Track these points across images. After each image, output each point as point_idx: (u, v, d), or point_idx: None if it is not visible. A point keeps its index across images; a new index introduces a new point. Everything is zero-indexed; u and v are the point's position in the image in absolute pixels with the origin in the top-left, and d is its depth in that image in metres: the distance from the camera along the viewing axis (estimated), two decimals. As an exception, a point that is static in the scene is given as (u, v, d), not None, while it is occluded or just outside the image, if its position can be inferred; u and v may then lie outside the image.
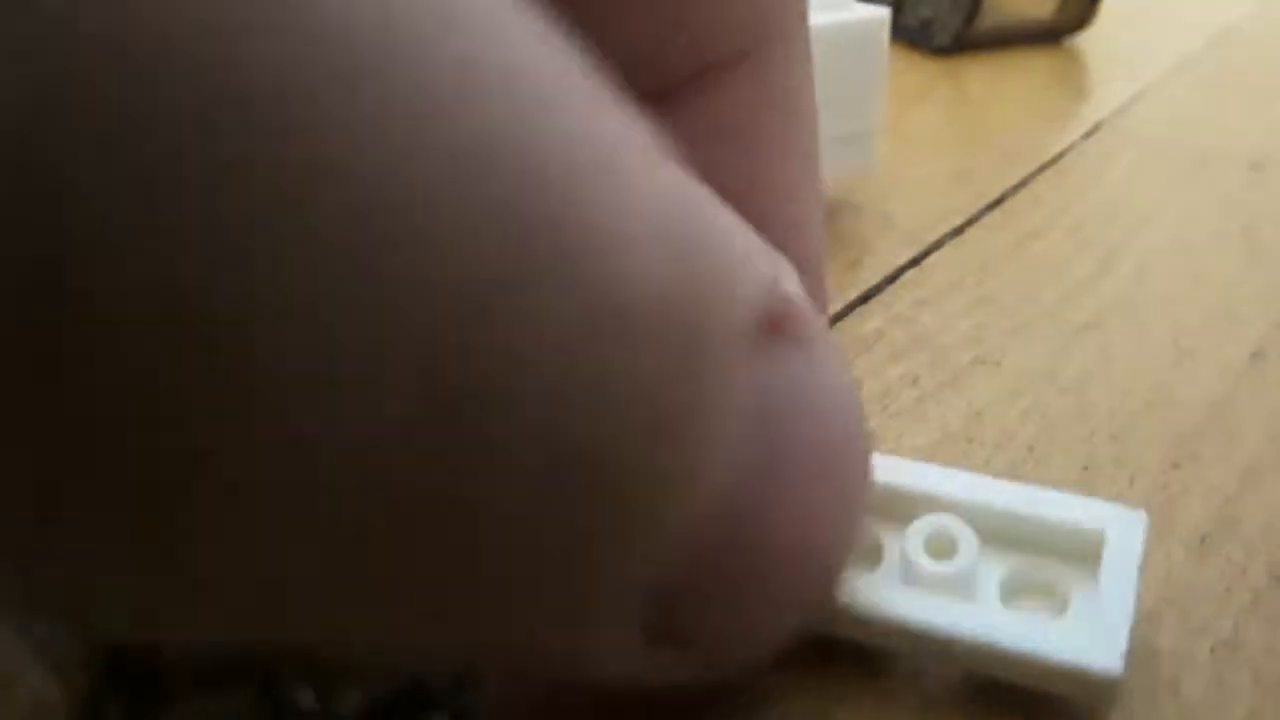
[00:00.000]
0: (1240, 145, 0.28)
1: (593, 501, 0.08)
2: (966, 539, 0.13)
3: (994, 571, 0.13)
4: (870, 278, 0.22)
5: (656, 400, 0.08)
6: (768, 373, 0.10)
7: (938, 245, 0.23)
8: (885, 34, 0.23)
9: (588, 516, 0.08)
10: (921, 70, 0.34)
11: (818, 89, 0.18)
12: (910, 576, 0.13)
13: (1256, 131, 0.29)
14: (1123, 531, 0.13)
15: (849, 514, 0.11)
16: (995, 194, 0.25)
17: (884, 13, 0.23)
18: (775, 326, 0.10)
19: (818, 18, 0.22)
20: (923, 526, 0.13)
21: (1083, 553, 0.13)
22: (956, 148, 0.28)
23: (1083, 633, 0.12)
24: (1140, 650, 0.14)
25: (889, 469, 0.13)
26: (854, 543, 0.11)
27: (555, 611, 0.09)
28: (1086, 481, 0.16)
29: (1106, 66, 0.35)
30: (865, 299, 0.21)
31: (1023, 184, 0.26)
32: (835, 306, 0.21)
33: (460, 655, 0.10)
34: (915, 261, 0.22)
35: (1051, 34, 0.36)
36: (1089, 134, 0.29)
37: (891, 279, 0.22)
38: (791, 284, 0.11)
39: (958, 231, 0.24)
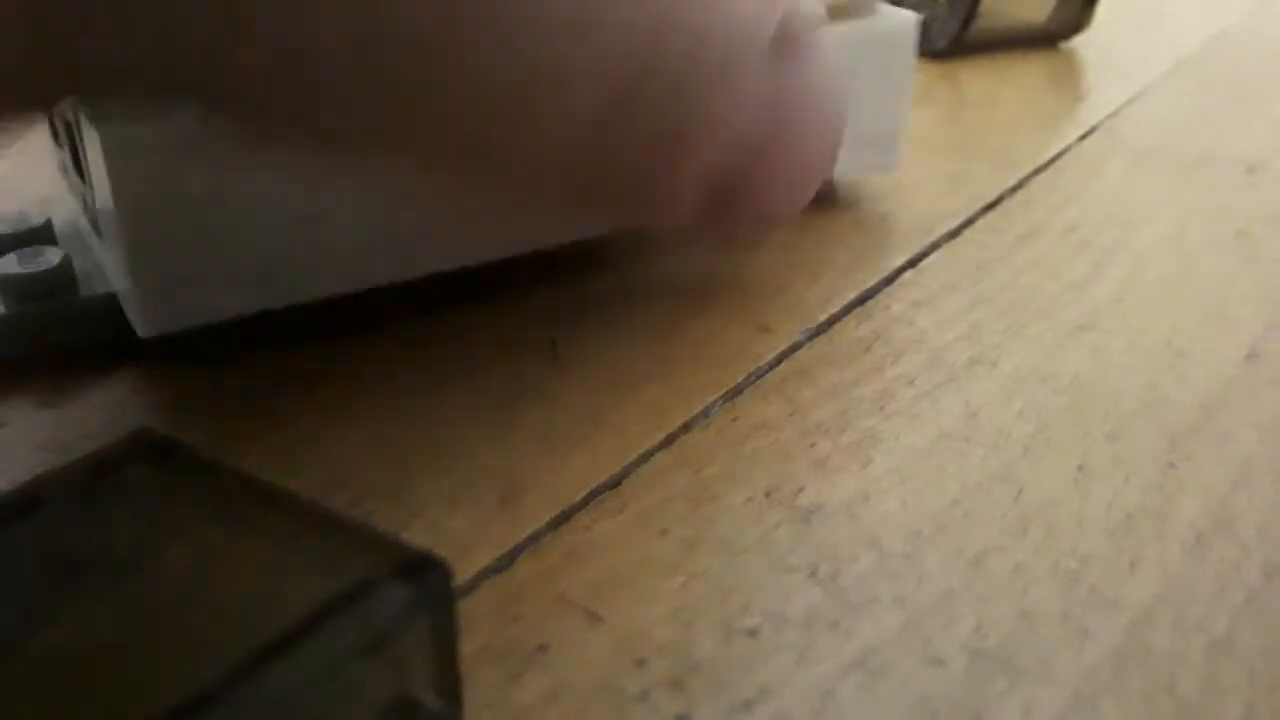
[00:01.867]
0: (1235, 148, 0.28)
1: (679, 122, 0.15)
2: None
3: None
4: (868, 279, 0.22)
5: (719, 79, 0.15)
6: (781, 71, 0.16)
7: (934, 247, 0.23)
8: (914, 37, 0.23)
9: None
10: (918, 73, 0.34)
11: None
12: None
13: (1251, 134, 0.29)
14: None
15: (829, 150, 0.18)
16: (991, 196, 0.25)
17: (913, 16, 0.23)
18: (790, 41, 0.16)
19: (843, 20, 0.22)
20: None
21: None
22: (953, 150, 0.28)
23: None
24: (1136, 649, 0.14)
25: None
26: (830, 167, 0.18)
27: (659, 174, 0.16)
28: (1082, 481, 0.17)
29: (1102, 69, 0.35)
30: (863, 300, 0.21)
31: (1019, 186, 0.26)
32: (834, 309, 0.21)
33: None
34: (912, 263, 0.23)
35: (1048, 38, 0.36)
36: (1084, 136, 0.29)
37: (889, 280, 0.22)
38: (806, 8, 0.17)
39: (954, 234, 0.24)
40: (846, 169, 0.23)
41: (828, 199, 0.24)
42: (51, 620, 0.11)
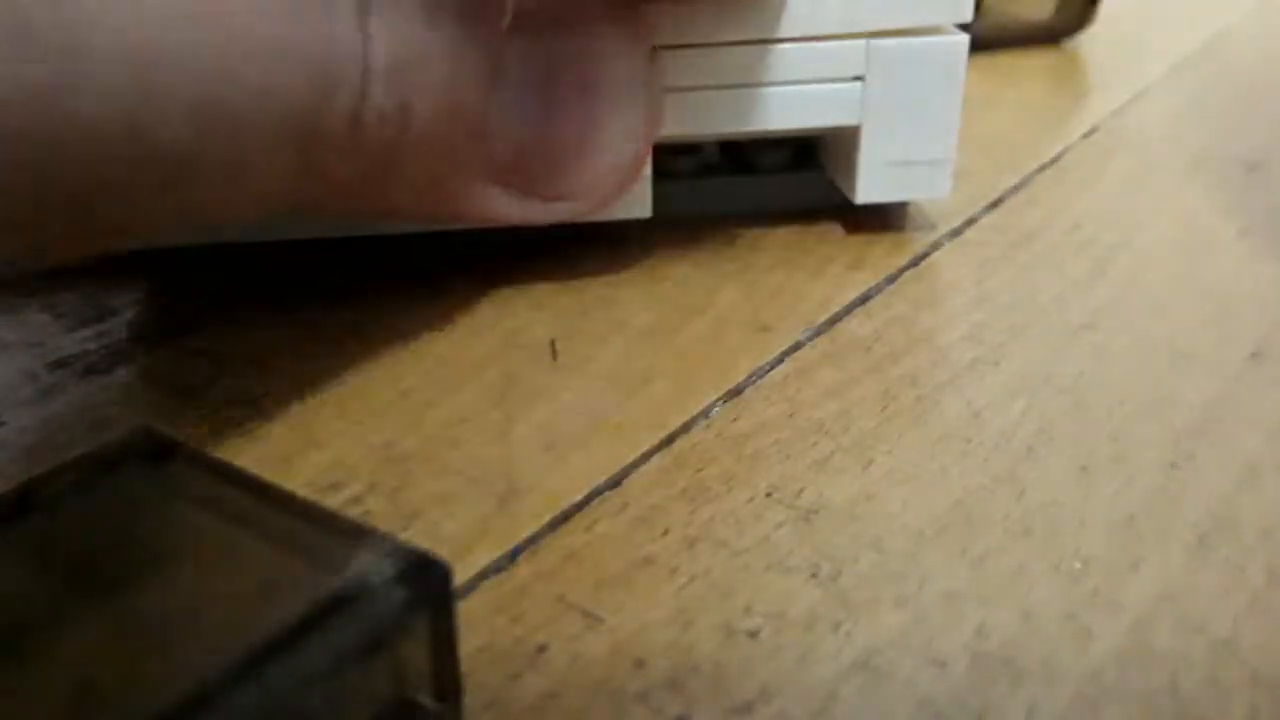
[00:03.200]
0: (1237, 146, 0.28)
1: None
2: None
3: None
4: (869, 279, 0.22)
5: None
6: (540, 37, 0.18)
7: (936, 246, 0.23)
8: (963, 57, 0.22)
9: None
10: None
11: (892, 109, 0.22)
12: None
13: (1253, 133, 0.29)
14: None
15: (624, 137, 0.20)
16: (994, 195, 0.25)
17: (963, 37, 0.22)
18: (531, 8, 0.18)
19: (893, 40, 0.21)
20: None
21: None
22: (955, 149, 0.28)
23: None
24: (1138, 650, 0.14)
25: None
26: (633, 156, 0.20)
27: None
28: (1085, 482, 0.16)
29: (1104, 68, 0.35)
30: (864, 300, 0.21)
31: (1021, 185, 0.26)
32: (835, 308, 0.21)
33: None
34: (914, 263, 0.23)
35: (1051, 36, 0.36)
36: (1087, 135, 0.29)
37: (890, 280, 0.22)
38: None
39: (956, 233, 0.24)
40: (893, 193, 0.23)
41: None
42: (47, 620, 0.11)
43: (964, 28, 0.22)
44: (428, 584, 0.11)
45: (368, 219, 0.20)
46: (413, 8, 0.16)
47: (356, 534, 0.12)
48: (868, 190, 0.23)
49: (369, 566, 0.11)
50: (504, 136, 0.19)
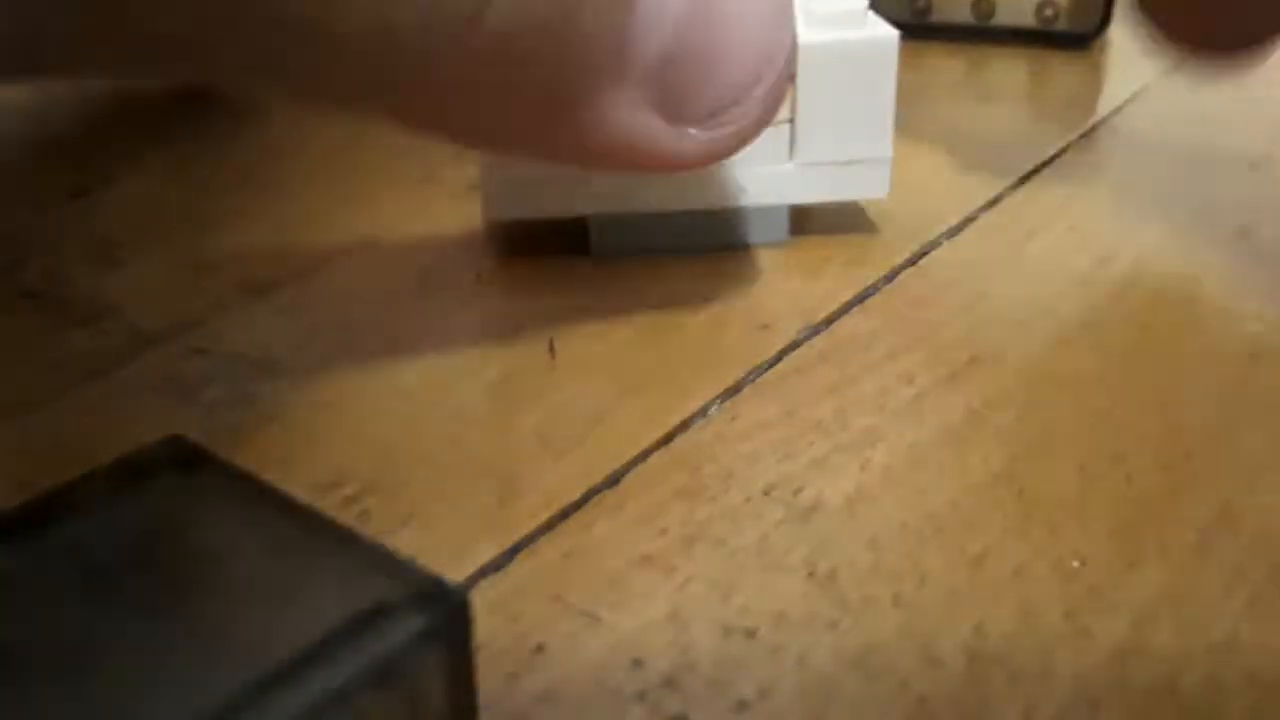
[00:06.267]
0: (1238, 144, 0.28)
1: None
2: None
3: None
4: (868, 277, 0.22)
5: None
6: None
7: (935, 245, 0.23)
8: (894, 53, 0.22)
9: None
10: (922, 69, 0.34)
11: (824, 110, 0.22)
12: None
13: (1253, 131, 0.29)
14: None
15: (775, 22, 0.17)
16: (993, 193, 0.25)
17: (893, 33, 0.22)
18: None
19: (824, 34, 0.21)
20: None
21: None
22: (954, 147, 0.28)
23: None
24: (1137, 649, 0.14)
25: None
26: (787, 45, 0.18)
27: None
28: (1083, 481, 0.16)
29: (1104, 65, 0.35)
30: (863, 298, 0.21)
31: (1020, 183, 0.26)
32: (833, 306, 0.21)
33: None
34: (912, 261, 0.22)
35: (1068, 38, 0.36)
36: (1086, 133, 0.29)
37: (889, 278, 0.22)
38: None
39: (955, 231, 0.24)
40: (829, 193, 0.22)
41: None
42: (64, 633, 0.11)
43: (896, 24, 0.22)
44: (445, 613, 0.11)
45: (487, 137, 0.17)
46: None
47: (376, 557, 0.12)
48: (804, 191, 0.22)
49: (386, 593, 0.11)
50: (647, 37, 0.16)
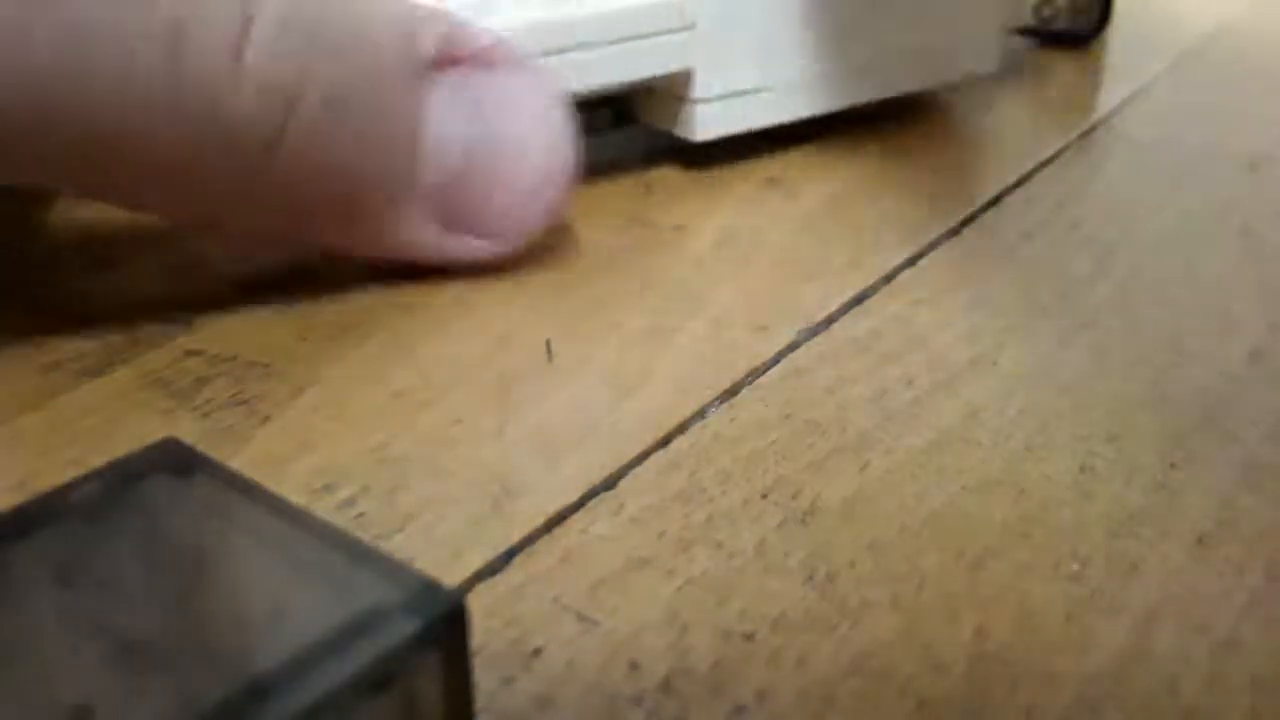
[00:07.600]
0: (1237, 144, 0.28)
1: (376, 152, 0.19)
2: None
3: None
4: (866, 278, 0.22)
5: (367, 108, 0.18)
6: (464, 83, 0.20)
7: (934, 245, 0.23)
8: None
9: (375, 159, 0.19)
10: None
11: (723, 47, 0.24)
12: None
13: (1253, 130, 0.29)
14: None
15: (555, 145, 0.21)
16: (992, 193, 0.25)
17: None
18: (454, 59, 0.19)
19: None
20: None
21: None
22: (953, 146, 0.28)
23: None
24: (1138, 651, 0.14)
25: None
26: (568, 164, 0.21)
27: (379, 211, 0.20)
28: (1083, 482, 0.16)
29: (1105, 65, 0.34)
30: (861, 299, 0.21)
31: (1020, 183, 0.26)
32: (832, 308, 0.21)
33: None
34: (911, 261, 0.22)
35: (1072, 37, 0.36)
36: (1086, 133, 0.29)
37: (888, 279, 0.22)
38: (465, 28, 0.19)
39: (954, 231, 0.24)
40: (733, 124, 0.25)
41: (826, 198, 0.24)
42: (56, 636, 0.11)
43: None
44: (442, 616, 0.11)
45: (294, 237, 0.21)
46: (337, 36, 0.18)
47: (372, 561, 0.12)
48: (706, 127, 0.24)
49: (382, 596, 0.11)
50: (435, 166, 0.20)
